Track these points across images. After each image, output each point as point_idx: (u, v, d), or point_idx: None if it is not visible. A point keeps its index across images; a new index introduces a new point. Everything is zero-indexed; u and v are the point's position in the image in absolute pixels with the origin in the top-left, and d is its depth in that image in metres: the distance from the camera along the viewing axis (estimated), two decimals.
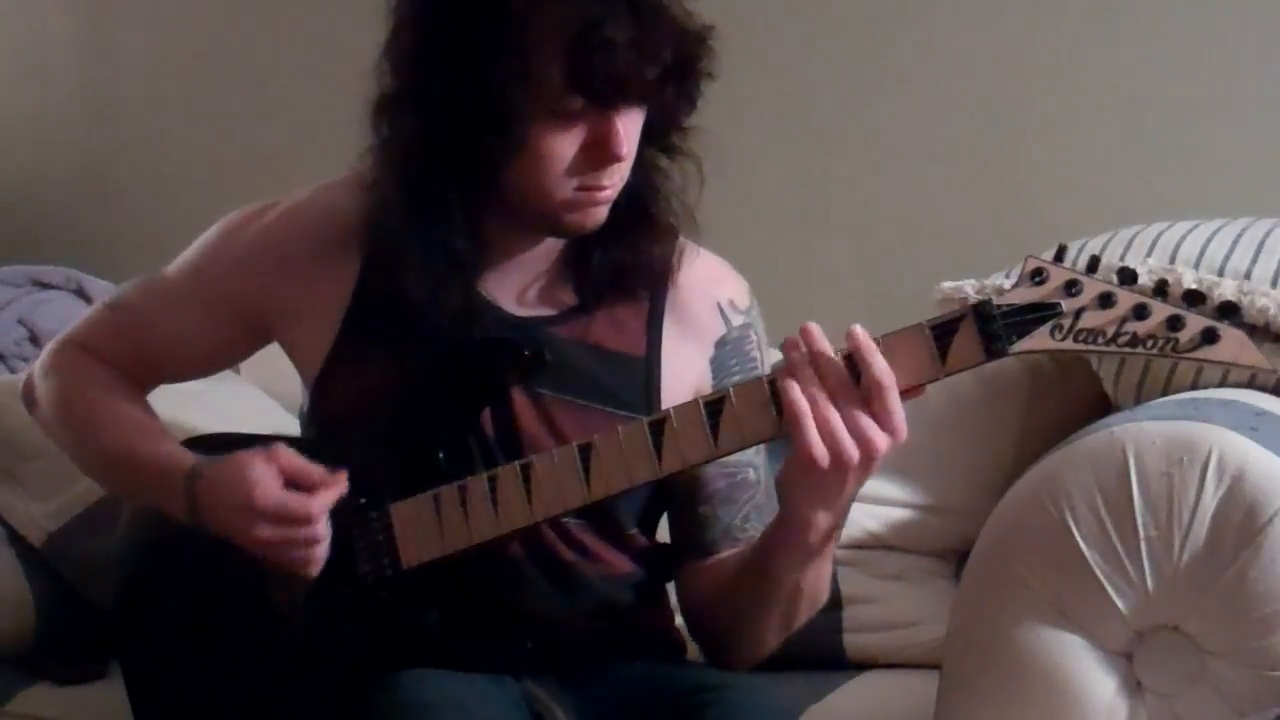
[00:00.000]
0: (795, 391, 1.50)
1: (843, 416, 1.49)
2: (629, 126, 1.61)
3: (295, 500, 1.62)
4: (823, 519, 1.57)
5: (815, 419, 1.50)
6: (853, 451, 1.49)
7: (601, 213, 1.65)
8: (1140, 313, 1.44)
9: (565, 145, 1.60)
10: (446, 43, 1.60)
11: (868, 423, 1.49)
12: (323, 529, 1.63)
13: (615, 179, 1.64)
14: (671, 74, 1.60)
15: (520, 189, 1.63)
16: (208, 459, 1.70)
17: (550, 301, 1.75)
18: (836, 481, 1.52)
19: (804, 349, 1.52)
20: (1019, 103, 2.60)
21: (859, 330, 1.51)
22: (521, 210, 1.66)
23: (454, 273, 1.66)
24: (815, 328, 1.52)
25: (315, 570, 1.64)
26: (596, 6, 1.55)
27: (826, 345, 1.52)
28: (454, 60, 1.59)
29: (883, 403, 1.49)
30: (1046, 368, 2.19)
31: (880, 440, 1.50)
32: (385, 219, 1.67)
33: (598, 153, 1.60)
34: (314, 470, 1.65)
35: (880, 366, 1.49)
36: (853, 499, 1.58)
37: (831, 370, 1.50)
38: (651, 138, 1.67)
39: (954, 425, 2.20)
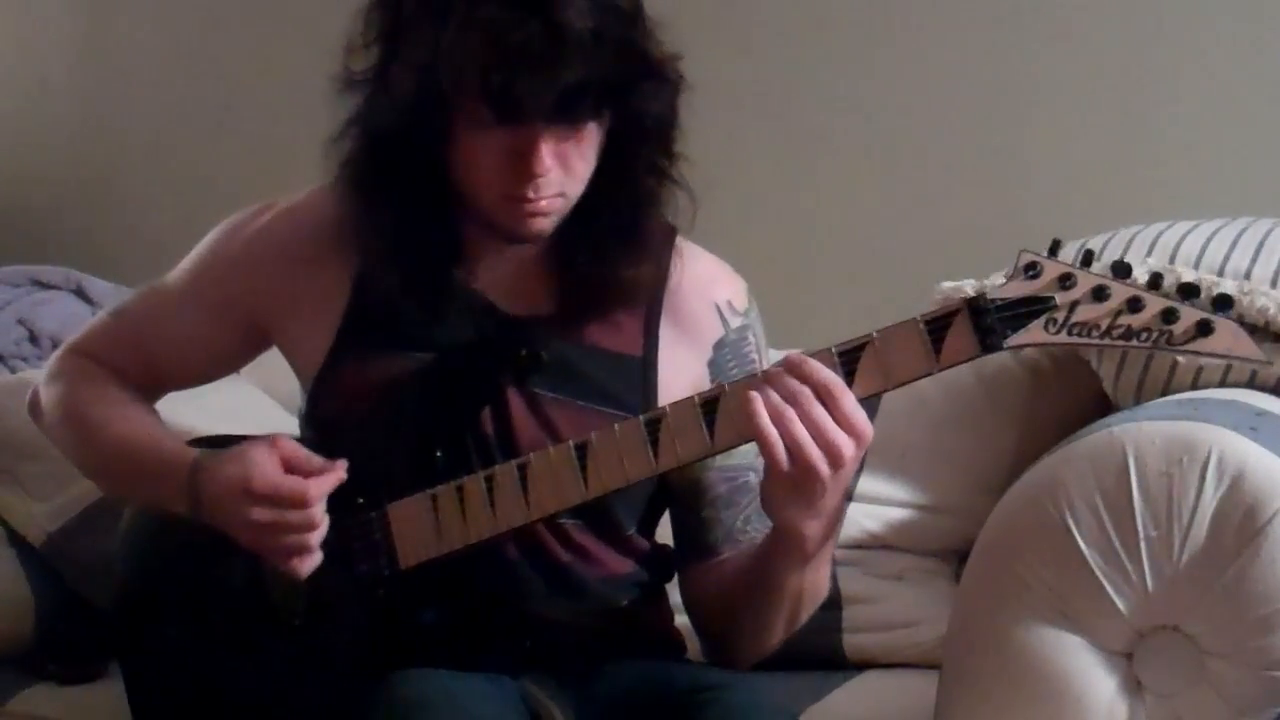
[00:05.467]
0: (758, 405, 1.51)
1: (806, 426, 1.50)
2: (558, 143, 1.57)
3: (292, 482, 1.61)
4: (812, 527, 1.57)
5: (780, 432, 1.50)
6: (820, 461, 1.50)
7: (540, 223, 1.62)
8: (1134, 306, 1.44)
9: (483, 151, 1.58)
10: (384, 32, 1.61)
11: (833, 429, 1.50)
12: (318, 515, 1.61)
13: (546, 193, 1.60)
14: (590, 93, 1.55)
15: (460, 188, 1.63)
16: (210, 452, 1.70)
17: (546, 301, 1.74)
18: (810, 490, 1.53)
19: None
20: (1018, 103, 2.60)
21: (793, 353, 1.52)
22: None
23: (426, 266, 1.66)
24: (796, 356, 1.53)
25: (309, 563, 1.62)
26: (508, 20, 1.52)
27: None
28: (388, 52, 1.60)
29: (838, 407, 1.50)
30: (1046, 367, 2.19)
31: (845, 445, 1.50)
32: (354, 214, 1.67)
33: (517, 165, 1.58)
34: (314, 459, 1.64)
35: (823, 373, 1.50)
36: (841, 503, 1.58)
37: (790, 383, 1.50)
38: (627, 151, 1.64)
39: (954, 425, 2.20)
